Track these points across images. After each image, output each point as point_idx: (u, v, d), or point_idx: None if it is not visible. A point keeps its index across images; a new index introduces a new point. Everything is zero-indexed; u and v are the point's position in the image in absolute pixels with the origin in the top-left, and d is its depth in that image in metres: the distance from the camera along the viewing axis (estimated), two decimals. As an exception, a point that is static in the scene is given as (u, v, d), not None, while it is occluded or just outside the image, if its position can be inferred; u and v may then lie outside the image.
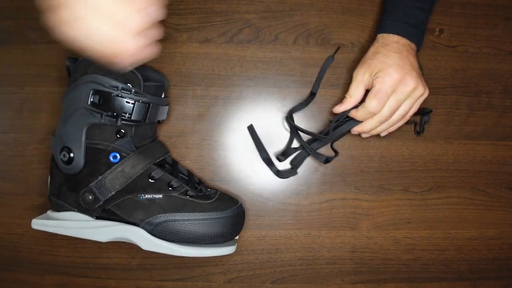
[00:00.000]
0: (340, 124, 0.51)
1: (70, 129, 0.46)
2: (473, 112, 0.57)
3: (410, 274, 0.54)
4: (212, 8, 0.56)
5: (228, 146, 0.55)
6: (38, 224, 0.48)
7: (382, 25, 0.51)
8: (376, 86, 0.48)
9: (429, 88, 0.49)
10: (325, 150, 0.55)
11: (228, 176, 0.55)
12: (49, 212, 0.50)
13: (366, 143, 0.56)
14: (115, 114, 0.45)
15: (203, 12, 0.56)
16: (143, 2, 0.34)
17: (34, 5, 0.56)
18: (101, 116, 0.45)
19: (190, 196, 0.47)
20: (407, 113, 0.49)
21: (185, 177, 0.51)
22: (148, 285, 0.53)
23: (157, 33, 0.37)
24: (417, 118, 0.56)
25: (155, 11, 0.35)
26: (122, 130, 0.46)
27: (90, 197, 0.46)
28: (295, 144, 0.55)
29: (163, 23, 0.37)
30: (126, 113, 0.45)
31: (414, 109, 0.50)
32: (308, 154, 0.54)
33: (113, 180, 0.46)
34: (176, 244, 0.46)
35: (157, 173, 0.47)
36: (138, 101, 0.46)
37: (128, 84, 0.45)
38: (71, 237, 0.48)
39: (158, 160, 0.49)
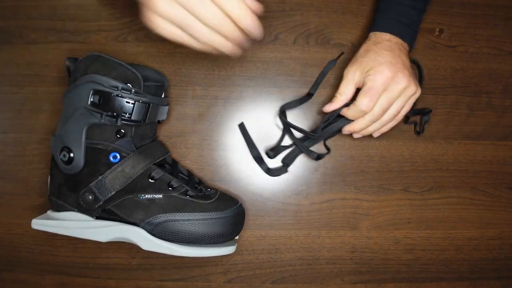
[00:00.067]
0: (331, 123, 0.51)
1: (70, 129, 0.46)
2: (473, 112, 0.57)
3: (410, 274, 0.54)
4: (212, 8, 0.56)
5: (228, 146, 0.55)
6: (38, 224, 0.48)
7: (374, 23, 0.51)
8: (367, 84, 0.47)
9: (429, 88, 0.49)
10: (318, 148, 0.55)
11: (228, 176, 0.55)
12: (49, 212, 0.50)
13: (366, 143, 0.56)
14: (115, 114, 0.45)
15: (203, 12, 0.56)
16: None
17: (34, 5, 0.57)
18: (101, 116, 0.45)
19: (190, 196, 0.47)
20: (398, 112, 0.49)
21: (185, 177, 0.51)
22: (148, 285, 0.53)
23: (258, 7, 0.38)
24: (417, 118, 0.56)
25: None
26: (122, 130, 0.46)
27: (90, 197, 0.46)
28: (287, 141, 0.55)
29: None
30: (126, 113, 0.45)
31: (406, 108, 0.49)
32: (300, 152, 0.54)
33: (113, 180, 0.46)
34: (176, 244, 0.46)
35: (157, 173, 0.47)
36: (138, 101, 0.46)
37: (128, 84, 0.45)
38: (71, 237, 0.48)
39: (158, 160, 0.49)
